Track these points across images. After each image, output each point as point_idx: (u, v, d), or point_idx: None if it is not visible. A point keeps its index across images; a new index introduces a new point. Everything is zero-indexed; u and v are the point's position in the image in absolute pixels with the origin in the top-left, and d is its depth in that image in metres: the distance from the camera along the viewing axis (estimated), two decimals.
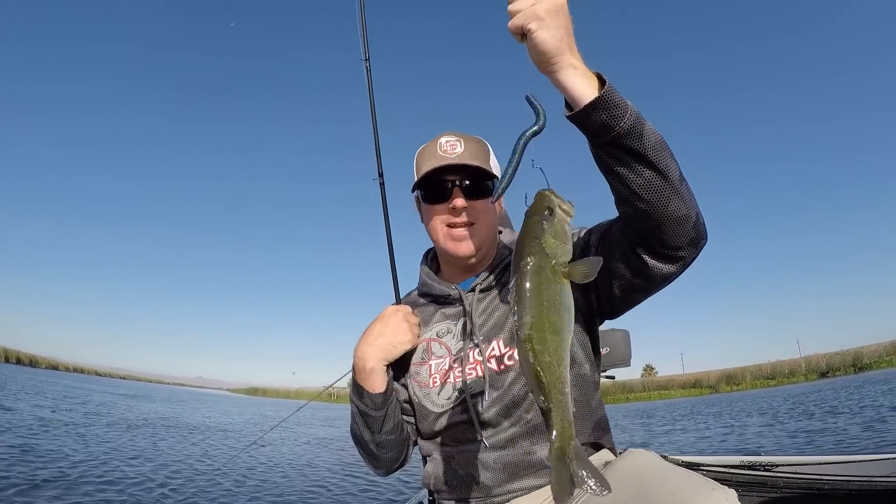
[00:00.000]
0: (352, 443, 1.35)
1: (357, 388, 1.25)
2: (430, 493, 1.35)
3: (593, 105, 0.88)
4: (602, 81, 0.90)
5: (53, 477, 5.44)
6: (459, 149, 1.26)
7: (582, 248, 1.18)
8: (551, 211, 0.81)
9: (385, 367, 1.25)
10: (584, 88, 0.89)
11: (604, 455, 1.24)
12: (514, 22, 0.87)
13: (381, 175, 1.50)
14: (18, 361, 59.54)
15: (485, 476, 1.20)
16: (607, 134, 0.89)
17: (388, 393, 1.25)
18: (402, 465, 1.36)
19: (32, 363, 62.10)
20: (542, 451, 1.19)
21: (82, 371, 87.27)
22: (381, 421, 1.24)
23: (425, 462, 1.35)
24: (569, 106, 0.92)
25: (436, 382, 1.28)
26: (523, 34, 0.88)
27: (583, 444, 1.23)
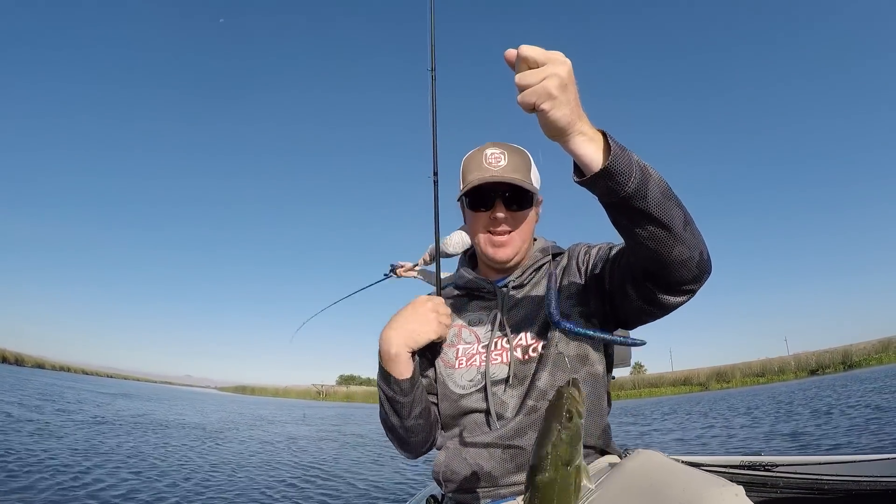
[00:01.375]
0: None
1: (384, 374, 1.25)
2: (440, 486, 1.37)
3: (599, 174, 0.91)
4: (607, 142, 0.92)
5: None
6: (503, 161, 1.32)
7: (598, 273, 1.27)
8: (570, 416, 0.76)
9: (410, 354, 1.25)
10: (592, 153, 0.91)
11: (610, 459, 1.26)
12: (525, 99, 0.86)
13: (435, 174, 1.60)
14: (4, 360, 58.64)
15: (493, 466, 1.21)
16: (614, 197, 0.94)
17: (414, 379, 1.25)
18: (430, 448, 1.38)
19: (18, 361, 61.16)
20: None
21: (69, 369, 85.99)
22: (409, 406, 1.25)
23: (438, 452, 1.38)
24: (577, 169, 0.96)
25: (461, 364, 1.32)
26: (534, 108, 0.87)
27: (590, 448, 1.26)
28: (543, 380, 1.23)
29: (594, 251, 1.33)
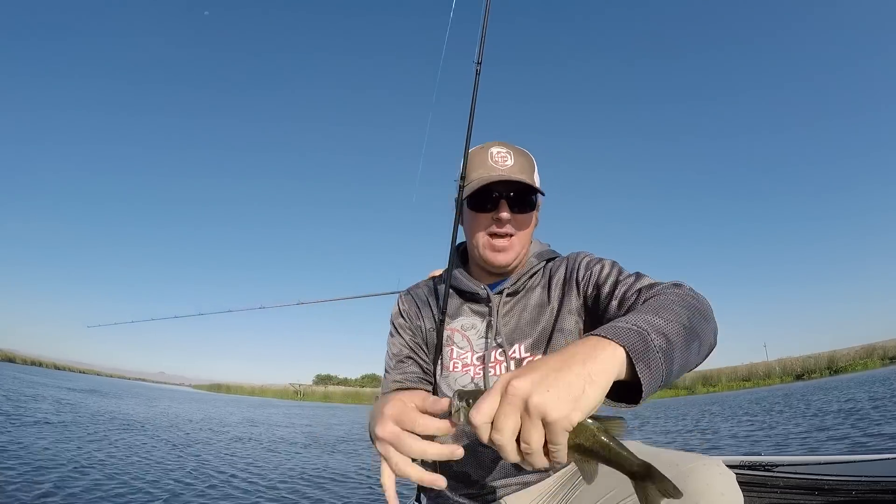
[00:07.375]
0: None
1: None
2: (418, 490, 1.39)
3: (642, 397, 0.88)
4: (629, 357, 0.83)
5: None
6: (510, 161, 1.32)
7: (595, 300, 1.25)
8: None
9: None
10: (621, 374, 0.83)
11: None
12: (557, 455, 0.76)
13: (463, 178, 1.46)
14: None
15: (478, 470, 1.26)
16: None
17: None
18: None
19: None
20: None
21: (41, 364, 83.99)
22: None
23: None
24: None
25: (456, 367, 1.33)
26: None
27: None
28: None
29: (597, 272, 1.27)
